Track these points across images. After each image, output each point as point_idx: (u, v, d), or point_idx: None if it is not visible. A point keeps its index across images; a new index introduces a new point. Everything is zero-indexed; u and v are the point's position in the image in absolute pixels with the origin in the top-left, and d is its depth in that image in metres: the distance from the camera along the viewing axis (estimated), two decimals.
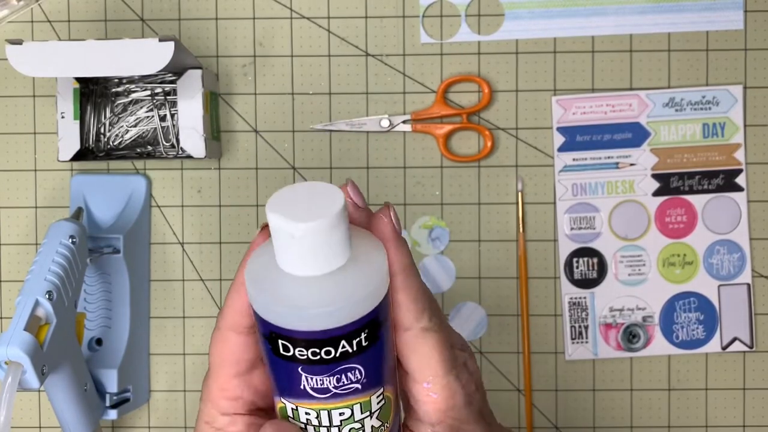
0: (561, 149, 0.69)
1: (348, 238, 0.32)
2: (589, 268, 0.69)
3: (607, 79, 0.69)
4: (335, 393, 0.33)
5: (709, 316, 0.69)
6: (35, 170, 0.70)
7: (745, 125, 0.69)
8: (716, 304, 0.69)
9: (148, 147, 0.68)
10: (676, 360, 0.69)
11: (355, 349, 0.32)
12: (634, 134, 0.68)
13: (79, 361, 0.60)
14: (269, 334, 0.32)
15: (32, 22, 0.70)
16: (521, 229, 0.69)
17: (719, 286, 0.69)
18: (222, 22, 0.69)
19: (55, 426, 0.70)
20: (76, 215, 0.64)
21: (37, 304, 0.56)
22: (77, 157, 0.66)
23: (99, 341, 0.66)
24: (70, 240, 0.59)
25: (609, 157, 0.68)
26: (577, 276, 0.69)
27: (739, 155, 0.68)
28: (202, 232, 0.70)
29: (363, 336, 0.32)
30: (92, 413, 0.61)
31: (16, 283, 0.70)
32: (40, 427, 0.70)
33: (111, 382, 0.64)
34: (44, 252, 0.58)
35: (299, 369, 0.32)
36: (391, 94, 0.69)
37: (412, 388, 0.37)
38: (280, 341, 0.32)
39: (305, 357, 0.32)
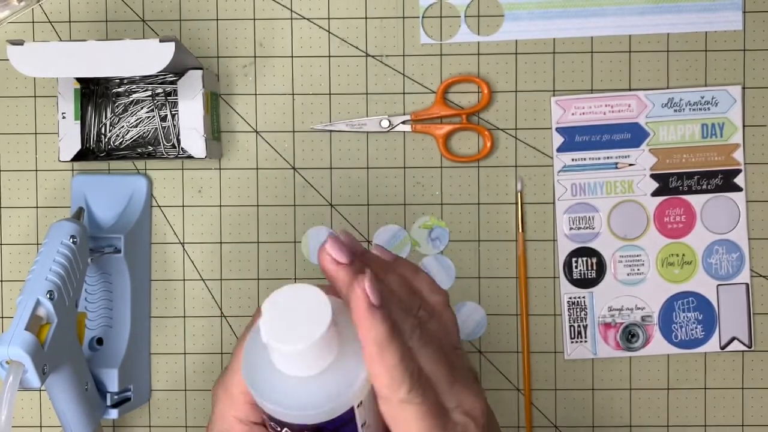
0: (560, 149, 0.69)
1: (333, 344, 0.35)
2: (588, 267, 0.69)
3: (606, 79, 0.69)
4: None
5: (708, 315, 0.69)
6: (36, 170, 0.70)
7: (743, 125, 0.69)
8: (715, 303, 0.69)
9: (149, 147, 0.68)
10: (675, 359, 0.69)
11: None
12: (633, 134, 0.68)
13: (80, 360, 0.60)
14: (268, 417, 0.36)
15: (33, 22, 0.70)
16: (521, 229, 0.69)
17: (718, 285, 0.69)
18: (222, 23, 0.69)
19: (56, 425, 0.70)
20: (77, 215, 0.64)
21: (38, 303, 0.56)
22: (78, 157, 0.66)
23: (100, 341, 0.66)
24: (71, 240, 0.59)
25: (608, 158, 0.69)
26: (576, 276, 0.69)
27: (738, 155, 0.69)
28: (202, 232, 0.70)
29: (349, 428, 0.36)
30: (93, 413, 0.62)
31: (17, 282, 0.70)
32: (41, 427, 0.70)
33: (112, 381, 0.64)
34: (45, 252, 0.58)
35: None
36: (391, 94, 0.69)
37: None
38: (277, 427, 0.36)
39: None
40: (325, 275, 0.38)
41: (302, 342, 0.33)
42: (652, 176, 0.69)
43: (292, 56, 0.69)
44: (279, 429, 0.36)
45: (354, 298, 0.36)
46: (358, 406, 0.36)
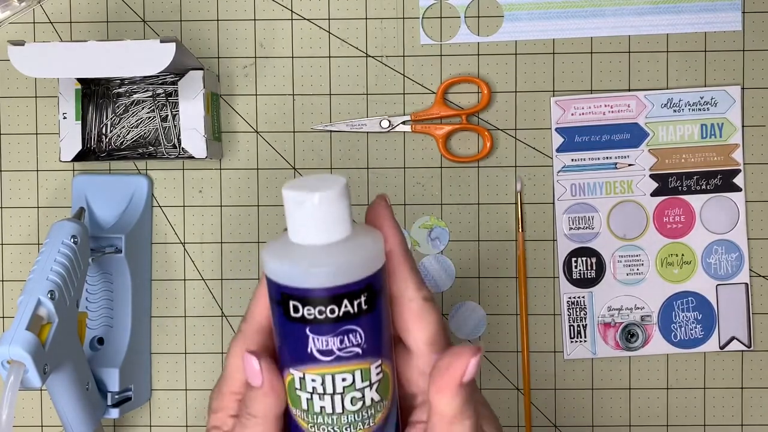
0: (560, 150, 0.69)
1: (350, 214, 0.37)
2: (587, 267, 0.69)
3: (605, 80, 0.69)
4: (338, 356, 0.37)
5: (707, 315, 0.69)
6: (37, 170, 0.70)
7: (743, 126, 0.69)
8: (714, 303, 0.69)
9: (150, 147, 0.68)
10: (674, 359, 0.69)
11: (355, 310, 0.36)
12: (632, 135, 0.69)
13: (80, 360, 0.61)
14: (281, 297, 0.37)
15: (34, 23, 0.70)
16: (520, 229, 0.69)
17: (717, 285, 0.69)
18: (223, 24, 0.69)
19: (57, 425, 0.70)
20: (78, 215, 0.64)
21: (39, 303, 0.56)
22: (79, 157, 0.66)
23: (101, 340, 0.66)
24: (72, 240, 0.59)
25: (607, 158, 0.69)
26: (575, 275, 0.69)
27: (737, 156, 0.69)
28: (203, 232, 0.70)
29: (362, 299, 0.36)
30: (94, 412, 0.62)
31: (18, 282, 0.70)
32: (41, 426, 0.70)
33: (113, 381, 0.64)
34: (46, 252, 0.58)
35: (307, 330, 0.36)
36: (391, 95, 0.69)
37: (419, 363, 0.39)
38: (291, 302, 0.36)
39: (312, 316, 0.36)
40: (374, 211, 0.40)
41: (318, 193, 0.36)
42: (652, 176, 0.69)
43: (292, 57, 0.69)
44: (294, 312, 0.36)
45: (380, 208, 0.39)
46: (376, 276, 0.37)
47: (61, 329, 0.57)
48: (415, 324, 0.39)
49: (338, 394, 0.37)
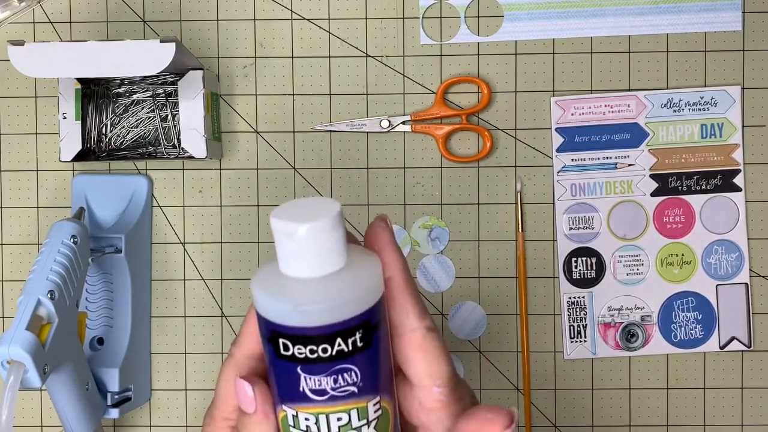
0: (560, 150, 0.69)
1: (344, 244, 0.34)
2: (587, 267, 0.69)
3: (605, 80, 0.69)
4: (332, 395, 0.34)
5: (707, 315, 0.69)
6: (37, 170, 0.70)
7: (743, 126, 0.69)
8: (714, 303, 0.69)
9: (150, 147, 0.68)
10: (675, 359, 0.69)
11: (350, 348, 0.34)
12: (632, 135, 0.69)
13: (80, 360, 0.61)
14: (271, 334, 0.34)
15: (34, 23, 0.70)
16: (520, 229, 0.69)
17: (717, 285, 0.69)
18: (223, 24, 0.69)
19: (57, 425, 0.70)
20: (78, 215, 0.64)
21: (39, 303, 0.56)
22: (79, 157, 0.66)
23: (100, 341, 0.66)
24: (72, 240, 0.59)
25: (607, 158, 0.69)
26: (575, 276, 0.69)
27: (737, 156, 0.69)
28: (203, 232, 0.70)
29: (358, 336, 0.34)
30: (94, 412, 0.62)
31: (18, 282, 0.70)
32: (41, 426, 0.70)
33: (112, 381, 0.64)
34: (46, 252, 0.58)
35: (298, 369, 0.34)
36: (391, 95, 0.69)
37: (420, 396, 0.37)
38: (280, 340, 0.34)
39: (303, 355, 0.34)
40: (373, 234, 0.37)
41: (307, 225, 0.33)
42: (652, 176, 0.69)
43: (292, 56, 0.69)
44: (284, 350, 0.34)
45: (379, 230, 0.37)
46: (373, 310, 0.34)
47: (60, 329, 0.57)
48: (417, 355, 0.36)
49: None
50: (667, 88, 0.69)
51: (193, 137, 0.65)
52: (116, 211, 0.68)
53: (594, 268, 0.69)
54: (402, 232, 0.69)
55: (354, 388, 0.35)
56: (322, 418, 0.35)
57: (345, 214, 0.68)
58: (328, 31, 0.69)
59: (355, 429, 0.35)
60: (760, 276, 0.69)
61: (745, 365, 0.69)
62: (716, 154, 0.69)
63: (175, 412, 0.70)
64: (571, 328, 0.69)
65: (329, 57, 0.69)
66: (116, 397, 0.64)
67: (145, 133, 0.68)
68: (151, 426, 0.70)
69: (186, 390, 0.70)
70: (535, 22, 0.69)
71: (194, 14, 0.69)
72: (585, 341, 0.69)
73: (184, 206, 0.70)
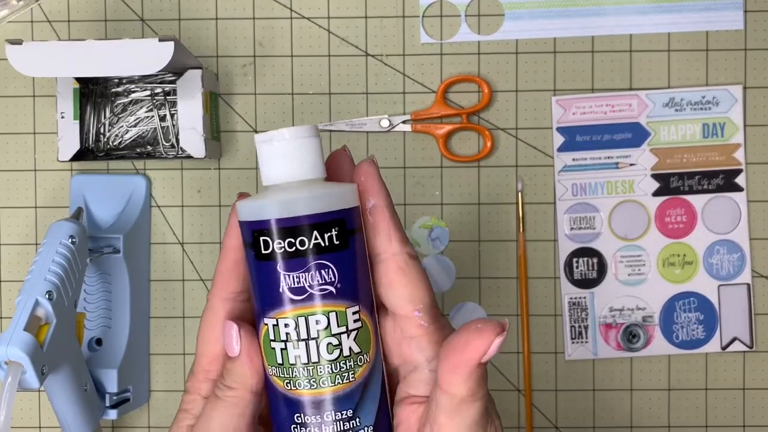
0: (561, 149, 0.69)
1: (320, 155, 0.37)
2: (588, 268, 0.69)
3: (606, 79, 0.69)
4: (311, 294, 0.36)
5: (709, 316, 0.69)
6: (35, 170, 0.70)
7: (744, 125, 0.69)
8: (716, 304, 0.69)
9: (148, 147, 0.68)
10: (676, 360, 0.69)
11: (326, 243, 0.36)
12: (633, 134, 0.68)
13: (79, 361, 0.60)
14: (252, 236, 0.36)
15: (32, 22, 0.70)
16: (521, 229, 0.69)
17: (719, 286, 0.69)
18: (222, 22, 0.69)
19: (55, 426, 0.70)
20: (76, 215, 0.64)
21: (37, 304, 0.56)
22: (77, 157, 0.66)
23: (99, 341, 0.66)
24: (70, 240, 0.59)
25: (609, 157, 0.68)
26: (576, 276, 0.69)
27: (739, 155, 0.69)
28: (202, 232, 0.70)
29: (334, 232, 0.36)
30: (92, 413, 0.61)
31: (16, 283, 0.70)
32: (40, 427, 0.70)
33: (111, 382, 0.64)
34: (44, 252, 0.58)
35: (278, 267, 0.36)
36: (391, 94, 0.69)
37: (402, 324, 0.37)
38: (261, 239, 0.36)
39: (282, 249, 0.36)
40: (360, 169, 0.39)
41: (287, 129, 0.36)
42: (653, 176, 0.69)
43: (291, 56, 0.69)
44: (265, 248, 0.36)
45: (366, 165, 0.38)
46: (348, 213, 0.37)
47: (59, 330, 0.57)
48: (399, 279, 0.37)
49: (313, 339, 0.36)
50: (669, 88, 0.69)
51: (191, 137, 0.64)
52: (114, 211, 0.68)
53: (595, 268, 0.69)
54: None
55: (332, 288, 0.36)
56: (302, 321, 0.36)
57: None
58: (328, 30, 0.69)
59: (334, 335, 0.36)
60: (761, 276, 0.69)
61: (747, 366, 0.69)
62: (718, 154, 0.68)
63: (173, 413, 0.70)
64: (572, 328, 0.69)
65: (329, 56, 0.69)
66: (115, 398, 0.64)
67: (143, 132, 0.68)
68: (149, 427, 0.70)
69: (185, 391, 0.70)
70: (536, 21, 0.68)
71: (193, 13, 0.69)
72: (586, 342, 0.69)
73: (182, 206, 0.70)
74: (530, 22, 0.69)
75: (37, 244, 0.70)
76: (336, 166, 0.39)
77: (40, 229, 0.70)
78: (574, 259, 0.69)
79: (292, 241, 0.36)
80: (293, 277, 0.36)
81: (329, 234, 0.36)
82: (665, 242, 0.69)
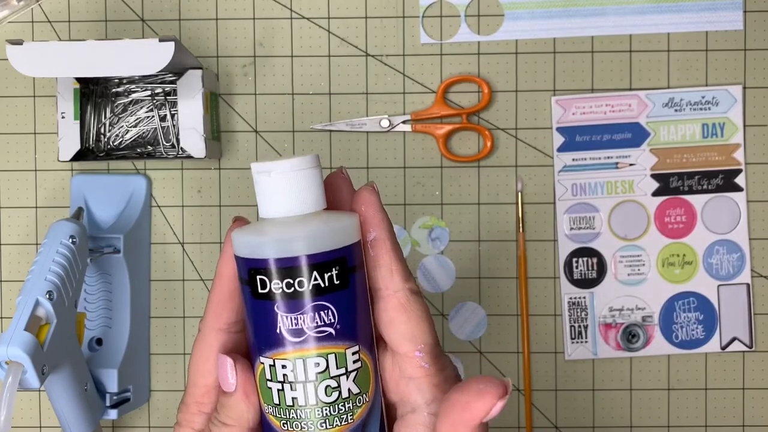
0: (560, 149, 0.69)
1: (320, 187, 0.36)
2: (588, 268, 0.69)
3: (606, 79, 0.69)
4: (309, 336, 0.34)
5: (709, 316, 0.69)
6: (35, 170, 0.70)
7: (744, 125, 0.69)
8: (716, 304, 0.69)
9: (149, 147, 0.68)
10: (676, 360, 0.69)
11: (326, 284, 0.34)
12: (633, 134, 0.68)
13: (79, 360, 0.60)
14: (248, 273, 0.35)
15: (32, 22, 0.70)
16: (521, 229, 0.69)
17: (719, 286, 0.69)
18: (222, 23, 0.69)
19: (56, 426, 0.70)
20: (77, 215, 0.64)
21: (37, 303, 0.56)
22: (77, 157, 0.66)
23: (99, 341, 0.66)
24: (71, 240, 0.59)
25: (608, 157, 0.68)
26: (576, 276, 0.69)
27: (739, 155, 0.69)
28: (202, 232, 0.70)
29: (334, 272, 0.34)
30: (92, 413, 0.61)
31: (16, 282, 0.70)
32: (40, 427, 0.70)
33: (111, 381, 0.64)
34: (45, 252, 0.58)
35: (275, 307, 0.34)
36: (391, 94, 0.69)
37: (401, 363, 0.36)
38: (258, 278, 0.34)
39: (280, 290, 0.34)
40: (360, 196, 0.37)
41: (285, 161, 0.35)
42: (653, 176, 0.69)
43: (291, 56, 0.69)
44: (262, 288, 0.34)
45: (367, 192, 0.37)
46: (349, 250, 0.35)
47: (59, 330, 0.57)
48: (400, 317, 0.36)
49: (311, 382, 0.35)
50: (669, 88, 0.69)
51: (192, 137, 0.65)
52: (115, 211, 0.68)
53: (595, 268, 0.69)
54: (402, 232, 0.69)
55: (331, 330, 0.35)
56: (299, 364, 0.35)
57: None
58: (328, 30, 0.69)
59: (333, 378, 0.35)
60: (761, 276, 0.69)
61: (747, 366, 0.69)
62: (717, 154, 0.69)
63: (173, 413, 0.70)
64: (572, 328, 0.69)
65: (329, 56, 0.69)
66: (115, 397, 0.64)
67: (144, 132, 0.68)
68: (149, 427, 0.70)
69: (185, 391, 0.70)
70: (535, 21, 0.69)
71: (193, 13, 0.69)
72: (586, 342, 0.69)
73: (183, 206, 0.70)
74: (530, 22, 0.69)
75: (37, 244, 0.70)
76: (334, 189, 0.38)
77: (40, 229, 0.70)
78: (574, 259, 0.69)
79: (291, 282, 0.34)
80: (291, 318, 0.34)
81: (329, 274, 0.34)
82: (665, 242, 0.69)
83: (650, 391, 0.69)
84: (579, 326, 0.69)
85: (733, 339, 0.69)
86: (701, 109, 0.68)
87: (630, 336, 0.69)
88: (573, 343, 0.69)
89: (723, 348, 0.69)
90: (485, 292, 0.69)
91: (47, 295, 0.56)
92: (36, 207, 0.70)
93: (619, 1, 0.68)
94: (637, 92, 0.68)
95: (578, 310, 0.69)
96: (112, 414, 0.64)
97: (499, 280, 0.69)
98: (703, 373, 0.69)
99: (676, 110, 0.68)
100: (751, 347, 0.69)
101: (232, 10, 0.69)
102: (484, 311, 0.69)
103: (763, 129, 0.69)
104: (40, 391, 0.70)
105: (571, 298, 0.69)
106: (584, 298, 0.69)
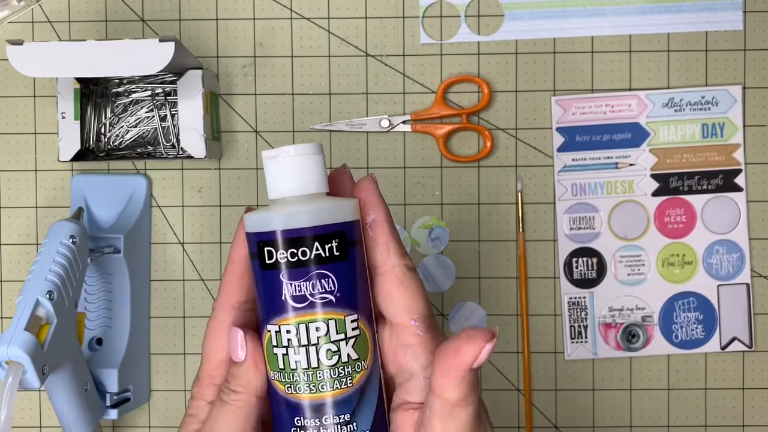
0: (560, 149, 0.69)
1: (323, 172, 0.39)
2: (588, 268, 0.69)
3: (606, 79, 0.69)
4: (311, 302, 0.38)
5: (709, 316, 0.69)
6: (36, 170, 0.70)
7: (744, 125, 0.69)
8: (715, 304, 0.69)
9: (149, 147, 0.68)
10: (676, 360, 0.69)
11: (327, 254, 0.38)
12: (633, 134, 0.68)
13: (79, 360, 0.60)
14: (257, 247, 0.38)
15: (33, 22, 0.70)
16: (521, 229, 0.69)
17: (718, 286, 0.69)
18: (222, 23, 0.69)
19: (56, 426, 0.70)
20: (77, 215, 0.64)
21: (37, 303, 0.56)
22: (78, 157, 0.66)
23: (99, 341, 0.66)
24: (71, 240, 0.59)
25: (608, 158, 0.69)
26: (576, 276, 0.69)
27: (739, 155, 0.69)
28: (202, 232, 0.70)
29: (334, 244, 0.38)
30: (93, 413, 0.61)
31: (16, 282, 0.70)
32: (40, 427, 0.70)
33: (111, 381, 0.64)
34: (45, 252, 0.58)
35: (281, 276, 0.38)
36: (391, 94, 0.69)
37: (398, 333, 0.39)
38: (266, 249, 0.38)
39: (285, 259, 0.38)
40: (360, 185, 0.40)
41: (292, 148, 0.39)
42: (653, 176, 0.69)
43: (291, 56, 0.69)
44: (269, 258, 0.38)
45: (366, 182, 0.40)
46: (349, 226, 0.38)
47: (59, 330, 0.57)
48: (397, 290, 0.39)
49: (313, 345, 0.38)
50: (668, 88, 0.69)
51: (192, 137, 0.65)
52: (115, 211, 0.68)
53: (595, 268, 0.69)
54: (402, 232, 0.69)
55: (331, 297, 0.38)
56: (302, 328, 0.38)
57: None
58: (328, 31, 0.69)
59: (333, 342, 0.38)
60: (761, 276, 0.69)
61: (747, 366, 0.69)
62: (717, 154, 0.69)
63: (174, 413, 0.70)
64: (572, 328, 0.69)
65: (329, 56, 0.69)
66: (115, 397, 0.64)
67: (144, 132, 0.68)
68: (150, 427, 0.70)
69: (185, 391, 0.70)
70: (535, 22, 0.69)
71: (193, 13, 0.69)
72: (586, 342, 0.69)
73: (183, 206, 0.70)
74: (530, 22, 0.69)
75: (37, 244, 0.70)
76: (337, 184, 0.41)
77: (40, 229, 0.70)
78: (574, 259, 0.69)
79: (295, 251, 0.37)
80: (295, 285, 0.38)
81: (330, 245, 0.38)
82: (665, 242, 0.69)
83: (650, 391, 0.69)
84: (579, 326, 0.69)
85: (733, 339, 0.69)
86: (701, 109, 0.68)
87: (630, 336, 0.69)
88: (573, 343, 0.69)
89: (723, 348, 0.69)
90: (485, 292, 0.69)
91: (47, 295, 0.56)
92: (36, 207, 0.70)
93: (619, 1, 0.68)
94: (637, 92, 0.68)
95: (578, 310, 0.69)
96: (112, 414, 0.64)
97: (499, 280, 0.69)
98: (703, 373, 0.69)
99: (675, 110, 0.68)
100: (750, 347, 0.69)
101: (232, 10, 0.69)
102: (484, 311, 0.69)
103: (763, 129, 0.69)
104: (40, 391, 0.70)
105: (571, 298, 0.69)
106: (584, 298, 0.69)
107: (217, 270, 0.70)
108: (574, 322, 0.69)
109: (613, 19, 0.68)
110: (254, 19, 0.69)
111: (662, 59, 0.69)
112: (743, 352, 0.69)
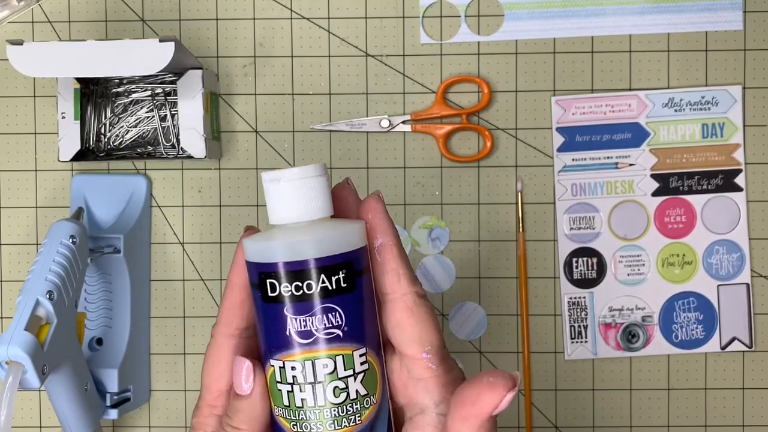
0: (560, 149, 0.69)
1: (328, 194, 0.37)
2: (588, 268, 0.69)
3: (606, 79, 0.69)
4: (317, 338, 0.36)
5: (709, 316, 0.69)
6: (36, 170, 0.70)
7: (744, 125, 0.69)
8: (715, 304, 0.69)
9: (149, 147, 0.68)
10: (676, 360, 0.69)
11: (334, 287, 0.35)
12: (633, 134, 0.68)
13: (79, 360, 0.60)
14: (259, 278, 0.36)
15: (33, 22, 0.70)
16: (521, 229, 0.69)
17: (718, 286, 0.69)
18: (222, 23, 0.69)
19: (56, 426, 0.70)
20: (77, 215, 0.64)
21: (37, 303, 0.56)
22: (78, 157, 0.66)
23: (99, 341, 0.66)
24: (71, 240, 0.59)
25: (608, 158, 0.69)
26: (576, 276, 0.69)
27: (738, 155, 0.69)
28: (202, 232, 0.70)
29: (341, 275, 0.36)
30: (93, 413, 0.61)
31: (16, 282, 0.70)
32: (40, 427, 0.70)
33: (111, 381, 0.64)
34: (45, 252, 0.58)
35: (285, 310, 0.36)
36: (391, 94, 0.69)
37: (409, 365, 0.37)
38: (268, 281, 0.36)
39: (289, 293, 0.35)
40: (366, 205, 0.38)
41: (294, 169, 0.36)
42: (653, 176, 0.69)
43: (291, 56, 0.69)
44: (272, 291, 0.36)
45: (373, 201, 0.38)
46: (355, 255, 0.36)
47: (59, 330, 0.57)
48: (407, 320, 0.37)
49: (319, 383, 0.36)
50: (668, 88, 0.69)
51: (192, 137, 0.65)
52: (115, 211, 0.68)
53: (595, 268, 0.69)
54: (402, 232, 0.69)
55: (338, 332, 0.36)
56: (308, 365, 0.36)
57: None
58: (328, 31, 0.69)
59: (341, 379, 0.36)
60: (761, 276, 0.69)
61: (747, 366, 0.69)
62: (717, 154, 0.69)
63: (174, 412, 0.70)
64: (572, 328, 0.69)
65: (329, 56, 0.69)
66: (115, 397, 0.64)
67: (144, 132, 0.68)
68: (150, 427, 0.70)
69: (185, 391, 0.70)
70: (535, 22, 0.69)
71: (193, 13, 0.69)
72: (586, 342, 0.69)
73: (183, 206, 0.70)
74: (530, 22, 0.69)
75: (37, 244, 0.70)
76: (340, 200, 0.39)
77: (40, 229, 0.70)
78: (574, 259, 0.69)
79: (299, 284, 0.35)
80: (300, 320, 0.36)
81: (336, 277, 0.36)
82: (665, 242, 0.69)
83: (650, 390, 0.69)
84: (579, 326, 0.69)
85: (733, 339, 0.69)
86: (701, 109, 0.68)
87: (630, 336, 0.69)
88: (573, 342, 0.69)
89: (723, 348, 0.69)
90: (485, 292, 0.69)
91: (47, 295, 0.56)
92: (36, 207, 0.70)
93: (619, 1, 0.68)
94: (637, 92, 0.68)
95: (578, 310, 0.69)
96: (113, 414, 0.64)
97: (499, 280, 0.69)
98: (703, 373, 0.69)
99: (675, 110, 0.68)
100: (750, 347, 0.69)
101: (232, 10, 0.69)
102: (484, 311, 0.69)
103: (763, 129, 0.69)
104: (40, 391, 0.70)
105: (571, 298, 0.69)
106: (584, 298, 0.69)
107: (217, 270, 0.70)
108: (574, 322, 0.69)
109: (613, 19, 0.68)
110: (254, 19, 0.69)
111: (662, 59, 0.69)
112: (743, 352, 0.69)
